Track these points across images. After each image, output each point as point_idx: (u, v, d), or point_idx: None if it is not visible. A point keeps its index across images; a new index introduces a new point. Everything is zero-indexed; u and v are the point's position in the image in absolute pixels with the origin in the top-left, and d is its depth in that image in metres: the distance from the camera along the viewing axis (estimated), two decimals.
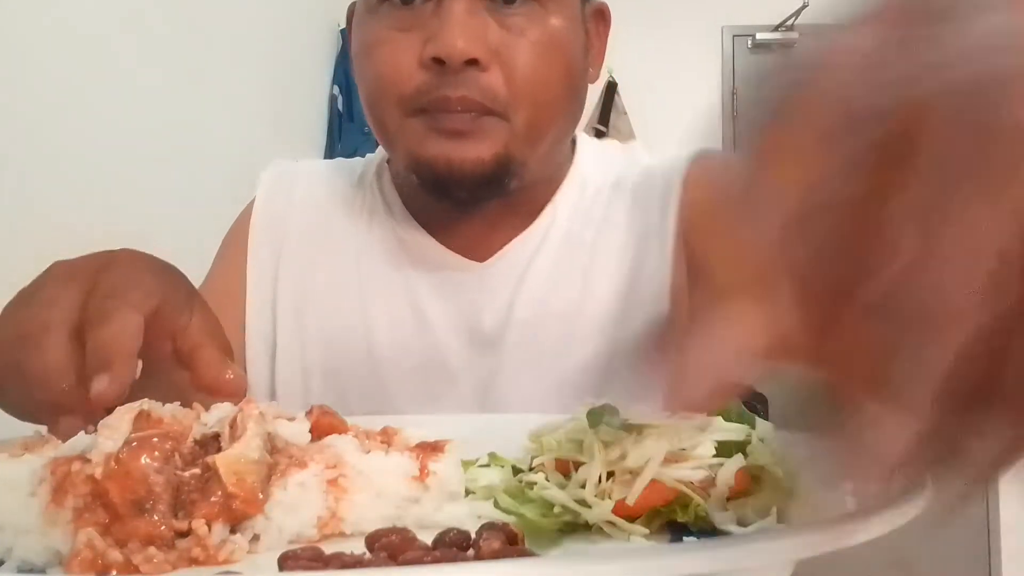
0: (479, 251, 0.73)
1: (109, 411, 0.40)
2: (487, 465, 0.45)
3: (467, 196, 0.68)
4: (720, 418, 0.39)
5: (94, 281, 0.46)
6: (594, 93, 3.59)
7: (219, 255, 0.81)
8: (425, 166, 0.65)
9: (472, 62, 0.62)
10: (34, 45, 1.60)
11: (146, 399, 0.39)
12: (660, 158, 0.80)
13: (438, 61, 0.62)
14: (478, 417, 0.61)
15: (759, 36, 3.73)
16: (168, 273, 0.50)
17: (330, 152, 3.14)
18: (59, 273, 0.48)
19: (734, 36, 3.79)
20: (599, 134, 3.53)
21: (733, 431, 0.38)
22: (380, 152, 0.81)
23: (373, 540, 0.32)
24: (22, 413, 0.45)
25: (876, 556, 3.34)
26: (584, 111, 0.76)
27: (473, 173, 0.65)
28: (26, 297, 0.47)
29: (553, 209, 0.75)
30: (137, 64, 1.96)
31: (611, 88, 3.64)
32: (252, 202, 0.81)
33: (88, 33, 1.78)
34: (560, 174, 0.77)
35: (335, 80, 3.27)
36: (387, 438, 0.42)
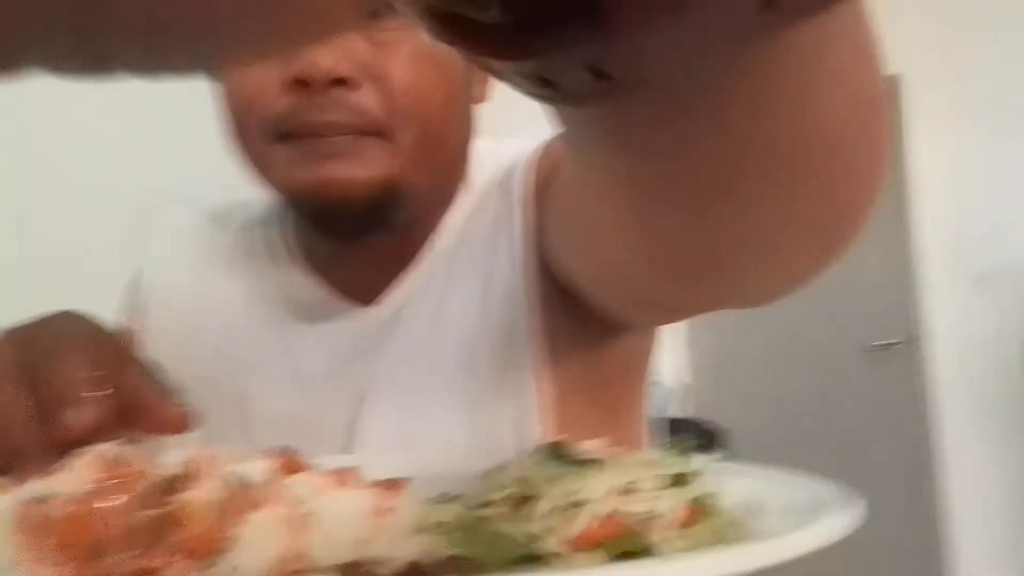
0: (367, 293, 0.70)
1: (62, 452, 0.41)
2: (439, 503, 0.46)
3: (348, 225, 0.63)
4: (662, 453, 0.42)
5: (30, 340, 0.47)
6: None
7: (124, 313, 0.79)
8: (300, 194, 0.61)
9: (340, 81, 0.57)
10: None
11: (103, 444, 0.40)
12: (507, 148, 0.73)
13: (301, 83, 0.57)
14: (427, 456, 0.62)
15: None
16: (101, 330, 0.51)
17: None
18: None
19: None
20: None
21: (675, 464, 0.40)
22: None
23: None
24: None
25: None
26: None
27: (354, 197, 0.60)
28: None
29: (435, 237, 0.70)
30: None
31: None
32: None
33: None
34: (451, 202, 0.71)
35: None
36: (342, 478, 0.43)
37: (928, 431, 3.54)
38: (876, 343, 3.58)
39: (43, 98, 1.83)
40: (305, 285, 0.72)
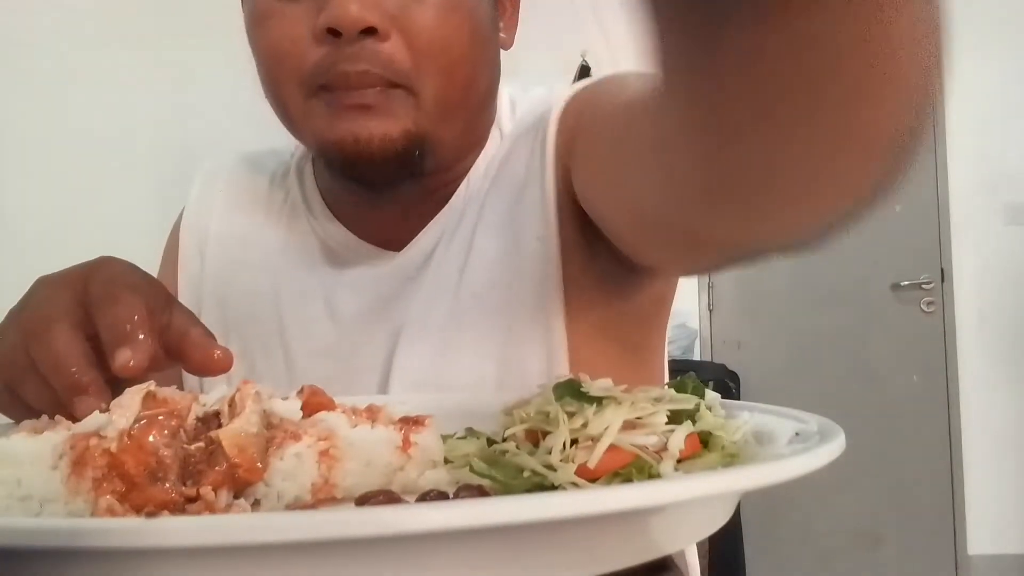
0: (396, 240, 0.72)
1: (118, 390, 0.44)
2: (464, 438, 0.49)
3: (379, 177, 0.65)
4: (673, 390, 0.44)
5: (83, 283, 0.49)
6: (567, 78, 3.62)
7: (161, 260, 0.82)
8: (333, 148, 0.63)
9: (369, 31, 0.58)
10: (19, 42, 1.61)
11: (151, 381, 0.43)
12: (540, 94, 0.75)
13: (333, 32, 0.59)
14: (456, 395, 0.65)
15: None
16: (146, 275, 0.54)
17: None
18: (48, 281, 0.51)
19: None
20: None
21: (684, 401, 0.42)
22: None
23: (363, 501, 0.36)
24: (39, 408, 0.48)
25: (846, 529, 3.43)
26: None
27: (383, 151, 0.62)
28: (20, 307, 0.50)
29: (467, 182, 0.72)
30: (120, 56, 1.96)
31: (584, 72, 3.67)
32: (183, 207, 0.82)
33: (71, 30, 1.78)
34: (480, 147, 0.73)
35: None
36: (372, 414, 0.46)
37: (951, 373, 3.55)
38: (903, 282, 3.57)
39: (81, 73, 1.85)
40: (336, 233, 0.74)
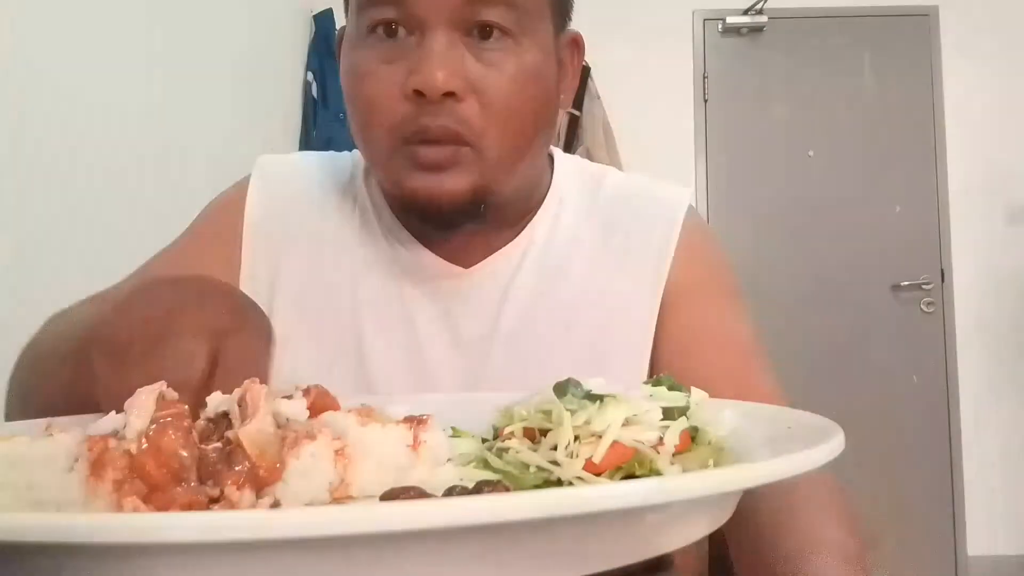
0: (464, 258, 0.80)
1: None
2: (454, 437, 0.51)
3: (445, 223, 0.74)
4: (664, 388, 0.46)
5: (222, 338, 0.50)
6: None
7: (196, 239, 0.84)
8: (409, 196, 0.71)
9: (450, 94, 0.67)
10: (8, 39, 1.62)
11: (163, 381, 0.44)
12: (638, 183, 0.87)
13: (419, 93, 0.67)
14: (433, 396, 0.66)
15: (729, 20, 3.78)
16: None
17: (305, 138, 3.17)
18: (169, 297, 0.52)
19: (704, 20, 3.84)
20: (573, 119, 3.56)
21: (675, 399, 0.44)
22: None
23: (391, 498, 0.38)
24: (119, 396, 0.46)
25: None
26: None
27: (451, 204, 0.70)
28: (139, 305, 0.51)
29: (532, 228, 0.82)
30: (112, 53, 1.97)
31: (584, 73, 3.68)
32: (232, 193, 0.85)
33: (62, 23, 1.79)
34: (539, 189, 0.83)
35: (309, 66, 3.28)
36: (367, 414, 0.46)
37: (951, 373, 3.55)
38: (903, 282, 3.58)
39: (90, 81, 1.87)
40: (410, 245, 0.80)
